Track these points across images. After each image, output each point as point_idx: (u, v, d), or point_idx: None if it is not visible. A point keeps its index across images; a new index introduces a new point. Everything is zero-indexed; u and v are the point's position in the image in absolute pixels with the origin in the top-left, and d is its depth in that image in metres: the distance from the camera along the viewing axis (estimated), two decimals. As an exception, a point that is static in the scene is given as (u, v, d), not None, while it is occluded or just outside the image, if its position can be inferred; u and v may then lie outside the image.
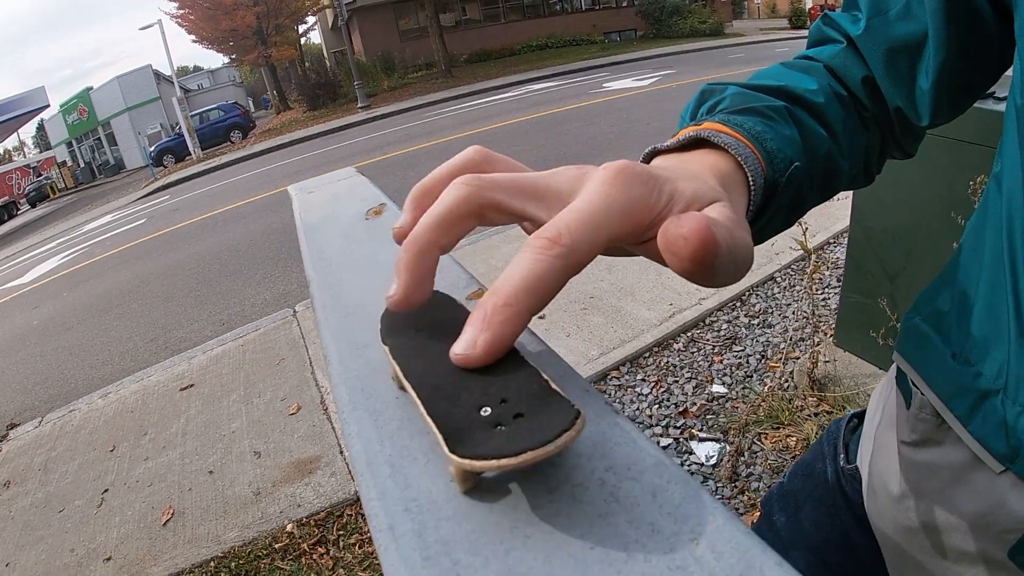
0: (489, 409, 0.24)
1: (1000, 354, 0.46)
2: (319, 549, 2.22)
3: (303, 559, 2.20)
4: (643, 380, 2.77)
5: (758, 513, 0.87)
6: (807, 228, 2.21)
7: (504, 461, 0.21)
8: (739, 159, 0.38)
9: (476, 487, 0.23)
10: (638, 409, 2.59)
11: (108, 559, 2.51)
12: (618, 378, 2.81)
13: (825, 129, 0.50)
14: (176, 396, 3.57)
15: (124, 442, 3.33)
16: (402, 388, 0.28)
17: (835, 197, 0.55)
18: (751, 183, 0.38)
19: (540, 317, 3.21)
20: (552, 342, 3.04)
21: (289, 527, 2.33)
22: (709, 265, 0.26)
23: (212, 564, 2.28)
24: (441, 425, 0.23)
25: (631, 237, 0.29)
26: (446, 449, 0.22)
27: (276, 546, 2.27)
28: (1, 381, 5.53)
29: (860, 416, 0.73)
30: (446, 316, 0.32)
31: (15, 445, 3.86)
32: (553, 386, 0.24)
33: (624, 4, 30.01)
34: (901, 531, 0.59)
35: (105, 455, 3.27)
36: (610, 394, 2.71)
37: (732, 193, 0.36)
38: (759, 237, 0.45)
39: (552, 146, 8.13)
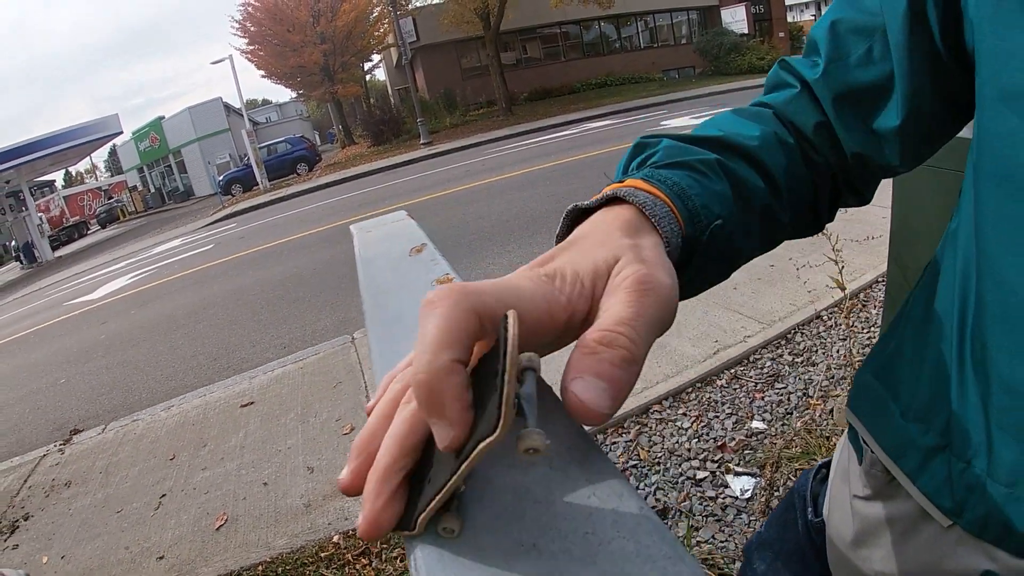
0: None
1: (946, 412, 0.47)
2: (362, 560, 2.34)
3: (347, 568, 2.31)
4: (684, 414, 2.81)
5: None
6: (843, 267, 2.26)
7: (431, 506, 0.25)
8: (652, 219, 0.39)
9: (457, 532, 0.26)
10: (677, 442, 2.64)
11: (161, 558, 2.69)
12: (659, 412, 2.86)
13: (763, 178, 0.50)
14: (236, 412, 3.77)
15: (184, 452, 3.53)
16: None
17: (878, 234, 0.58)
18: (665, 241, 0.39)
19: None
20: None
21: (336, 538, 2.46)
22: (605, 418, 0.28)
23: (260, 568, 2.42)
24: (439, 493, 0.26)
25: (563, 336, 0.33)
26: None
27: (322, 555, 2.40)
28: (67, 390, 5.88)
29: (828, 465, 0.73)
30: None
31: (78, 449, 4.12)
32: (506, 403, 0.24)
33: (683, 42, 30.13)
34: None
35: (165, 463, 3.48)
36: (650, 427, 2.76)
37: (642, 236, 0.37)
38: (689, 290, 0.45)
39: (607, 183, 8.25)
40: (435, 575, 0.24)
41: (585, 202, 0.43)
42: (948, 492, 0.46)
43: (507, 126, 20.33)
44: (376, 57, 33.25)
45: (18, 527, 3.44)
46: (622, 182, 0.43)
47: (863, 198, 0.60)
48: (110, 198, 45.72)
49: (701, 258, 0.43)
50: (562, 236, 0.43)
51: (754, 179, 0.49)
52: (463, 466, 0.24)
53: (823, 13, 0.57)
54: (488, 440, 0.23)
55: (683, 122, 13.72)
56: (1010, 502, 0.42)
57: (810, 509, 0.73)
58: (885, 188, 0.67)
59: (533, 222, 6.97)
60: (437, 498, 0.24)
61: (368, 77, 37.39)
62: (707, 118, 0.57)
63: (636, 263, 0.33)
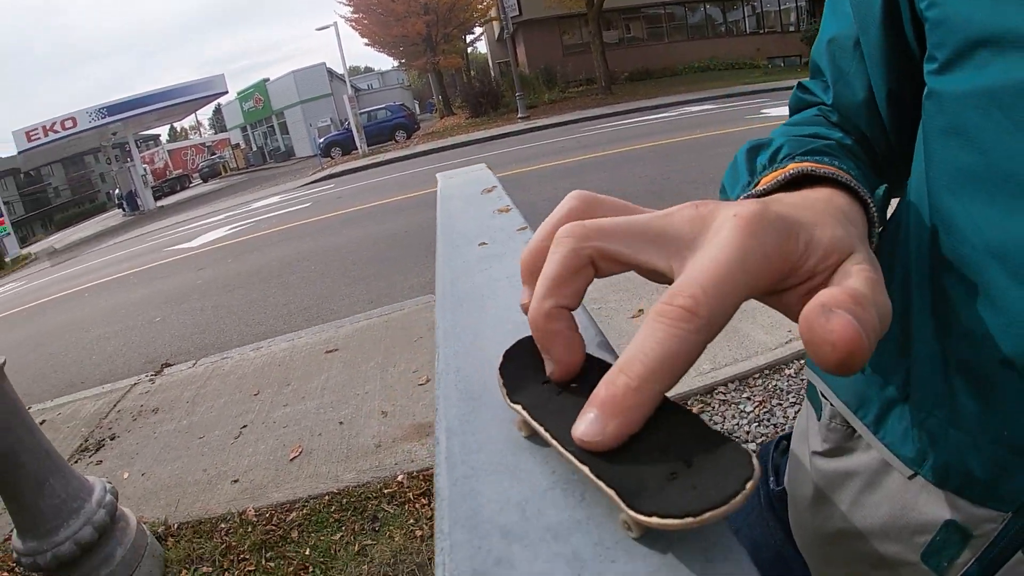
0: (657, 461, 0.23)
1: (906, 363, 0.48)
2: (422, 500, 2.50)
3: (407, 506, 2.48)
4: (748, 399, 2.83)
5: None
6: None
7: (687, 521, 0.20)
8: (859, 190, 0.37)
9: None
10: (737, 424, 2.67)
11: (236, 481, 2.94)
12: (724, 394, 2.89)
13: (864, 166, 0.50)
14: (321, 357, 4.01)
15: (268, 389, 3.80)
16: (546, 443, 0.27)
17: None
18: (872, 213, 0.37)
19: None
20: None
21: (400, 477, 2.63)
22: (856, 366, 0.24)
23: (327, 498, 2.62)
24: (613, 483, 0.22)
25: (764, 291, 0.28)
26: (623, 505, 0.21)
27: (386, 491, 2.58)
28: (162, 328, 6.34)
29: (790, 438, 0.72)
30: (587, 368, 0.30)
31: (168, 380, 4.49)
32: (714, 429, 0.23)
33: (791, 30, 29.10)
34: (821, 539, 0.60)
35: (249, 397, 3.76)
36: (713, 407, 2.79)
37: (858, 230, 0.33)
38: None
39: (701, 168, 8.13)
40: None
41: (761, 188, 0.40)
42: (909, 442, 0.47)
43: (605, 105, 20.14)
44: (478, 30, 33.37)
45: (104, 445, 3.80)
46: (785, 168, 0.41)
47: (895, 193, 0.60)
48: (213, 154, 47.84)
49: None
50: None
51: (865, 167, 0.50)
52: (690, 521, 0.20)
53: (819, 32, 0.57)
54: (716, 512, 0.20)
55: (785, 112, 13.23)
56: (971, 449, 0.42)
57: (771, 479, 0.73)
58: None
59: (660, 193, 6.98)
60: (687, 521, 0.20)
61: (469, 49, 37.66)
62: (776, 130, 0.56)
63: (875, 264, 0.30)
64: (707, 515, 0.20)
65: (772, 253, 0.26)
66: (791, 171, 0.39)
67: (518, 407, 0.28)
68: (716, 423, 2.69)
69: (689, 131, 11.69)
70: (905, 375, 0.48)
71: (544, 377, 0.29)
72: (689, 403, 2.81)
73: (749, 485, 0.20)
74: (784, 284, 0.28)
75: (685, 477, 0.22)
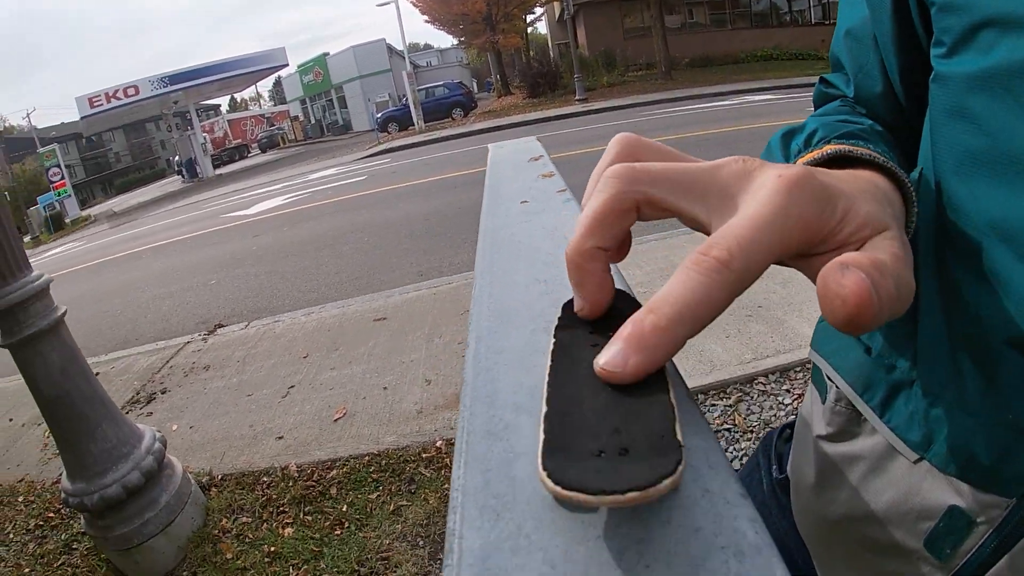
0: (600, 436, 0.22)
1: (913, 346, 0.48)
2: (461, 466, 2.57)
3: (444, 471, 2.55)
4: (787, 391, 2.82)
5: None
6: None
7: (584, 497, 0.19)
8: (897, 172, 0.37)
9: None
10: (774, 416, 2.66)
11: (280, 438, 3.06)
12: (764, 384, 2.88)
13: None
14: (369, 324, 4.11)
15: (316, 352, 3.92)
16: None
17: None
18: (911, 195, 0.37)
19: None
20: (709, 340, 3.16)
21: (439, 443, 2.71)
22: (864, 326, 0.25)
23: (367, 458, 2.72)
24: (547, 437, 0.22)
25: (796, 253, 0.28)
26: (539, 463, 0.21)
27: (424, 456, 2.66)
28: (216, 290, 6.57)
29: (793, 426, 0.72)
30: (624, 310, 0.29)
31: (220, 340, 4.66)
32: (677, 432, 0.22)
33: (857, 21, 28.12)
34: (823, 525, 0.60)
35: (298, 359, 3.88)
36: (752, 397, 2.79)
37: (894, 211, 0.33)
38: None
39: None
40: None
41: (813, 157, 0.41)
42: (916, 426, 0.47)
43: (664, 90, 19.88)
44: (539, 10, 33.08)
45: (155, 399, 3.98)
46: (821, 149, 0.42)
47: None
48: (272, 125, 48.58)
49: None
50: None
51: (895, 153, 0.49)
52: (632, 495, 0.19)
53: (836, 25, 0.57)
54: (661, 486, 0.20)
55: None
56: (976, 432, 0.42)
57: (775, 467, 0.73)
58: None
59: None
60: (584, 498, 0.20)
61: (529, 30, 37.37)
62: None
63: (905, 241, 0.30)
64: (601, 498, 0.19)
65: (809, 217, 0.27)
66: (828, 151, 0.40)
67: (553, 341, 0.29)
68: (753, 412, 2.69)
69: (749, 120, 11.49)
70: (912, 358, 0.48)
71: (597, 323, 0.30)
72: (728, 391, 2.82)
73: (662, 483, 0.19)
74: (816, 249, 0.28)
75: (612, 462, 0.21)
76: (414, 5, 28.32)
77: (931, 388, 0.46)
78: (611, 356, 0.24)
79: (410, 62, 26.17)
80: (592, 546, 0.20)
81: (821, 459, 0.58)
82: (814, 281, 0.28)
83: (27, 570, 2.77)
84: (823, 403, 0.59)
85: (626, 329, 0.24)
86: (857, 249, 0.28)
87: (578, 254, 0.28)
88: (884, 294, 0.25)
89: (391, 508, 2.43)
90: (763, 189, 0.27)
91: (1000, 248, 0.38)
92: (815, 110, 0.60)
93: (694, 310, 0.24)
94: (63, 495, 2.42)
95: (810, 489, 0.60)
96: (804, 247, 0.27)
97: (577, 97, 20.69)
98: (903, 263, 0.28)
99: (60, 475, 3.13)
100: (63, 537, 2.91)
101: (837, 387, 0.56)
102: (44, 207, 29.71)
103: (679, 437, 0.21)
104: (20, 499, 3.33)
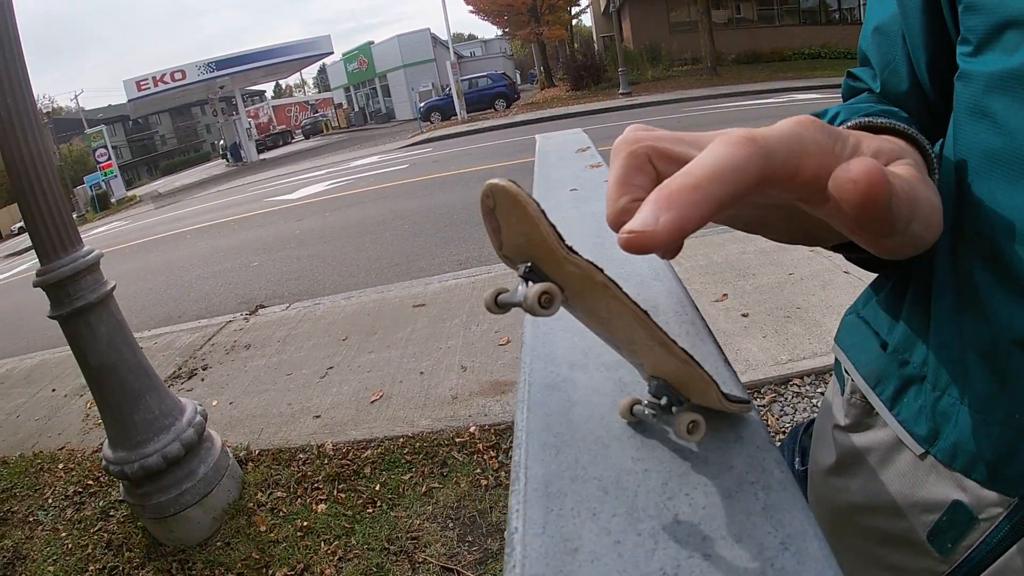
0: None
1: (925, 341, 0.48)
2: (491, 452, 2.61)
3: (475, 456, 2.60)
4: (822, 394, 2.78)
5: None
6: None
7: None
8: (917, 136, 0.38)
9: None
10: (808, 418, 2.65)
11: (317, 417, 3.14)
12: (799, 386, 2.85)
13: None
14: (408, 310, 4.17)
15: (355, 335, 4.00)
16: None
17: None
18: (931, 158, 0.39)
19: (743, 315, 3.33)
20: (747, 339, 3.15)
21: (472, 429, 2.75)
22: (882, 212, 0.25)
23: (401, 440, 2.78)
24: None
25: (814, 183, 0.27)
26: (718, 392, 0.25)
27: (457, 440, 2.70)
28: (258, 272, 6.70)
29: None
30: None
31: (262, 320, 4.77)
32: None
33: (910, 20, 27.45)
34: (835, 513, 0.61)
35: (337, 341, 3.97)
36: (785, 398, 2.77)
37: (915, 163, 0.35)
38: None
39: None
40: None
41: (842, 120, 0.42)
42: (923, 420, 0.48)
43: (709, 86, 19.61)
44: (584, 2, 32.93)
45: (195, 374, 4.09)
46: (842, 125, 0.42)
47: None
48: (316, 112, 49.21)
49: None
50: None
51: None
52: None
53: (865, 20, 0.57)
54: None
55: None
56: (981, 429, 0.43)
57: (797, 459, 0.74)
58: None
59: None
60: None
61: (574, 22, 37.13)
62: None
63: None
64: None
65: (822, 142, 0.27)
66: (850, 124, 0.40)
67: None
68: (786, 414, 2.67)
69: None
70: (924, 353, 0.48)
71: None
72: (763, 391, 2.80)
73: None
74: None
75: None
76: (460, -5, 28.40)
77: (940, 384, 0.46)
78: (641, 216, 0.23)
79: (454, 52, 26.16)
80: (640, 477, 0.23)
81: (838, 448, 0.59)
82: (846, 229, 0.29)
83: (64, 534, 2.88)
84: (842, 395, 0.60)
85: (654, 192, 0.24)
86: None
87: (618, 213, 0.29)
88: (897, 182, 0.25)
89: (423, 490, 2.49)
90: (774, 126, 0.27)
91: (1016, 250, 0.38)
92: (844, 101, 0.60)
93: (724, 173, 0.23)
94: (104, 462, 2.51)
95: (825, 477, 0.62)
96: (819, 170, 0.27)
97: (621, 91, 20.52)
98: (919, 179, 0.29)
99: (101, 444, 3.23)
100: (101, 504, 3.01)
101: (852, 380, 0.57)
102: (91, 186, 30.49)
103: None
104: (60, 466, 3.45)
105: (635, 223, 0.23)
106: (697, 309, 0.40)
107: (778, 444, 0.77)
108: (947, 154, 0.46)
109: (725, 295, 3.57)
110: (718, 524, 0.21)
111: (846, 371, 0.58)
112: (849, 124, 0.40)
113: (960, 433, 0.44)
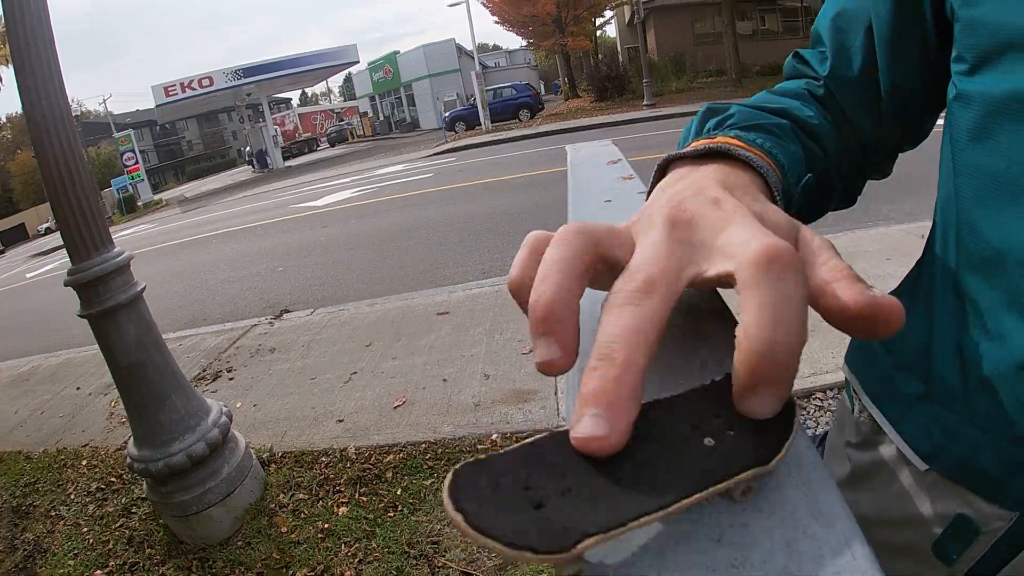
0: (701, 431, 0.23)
1: (928, 360, 0.50)
2: (516, 460, 2.61)
3: (498, 464, 2.61)
4: None
5: None
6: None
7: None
8: (762, 172, 0.37)
9: None
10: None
11: (340, 421, 3.17)
12: (822, 400, 2.85)
13: (822, 150, 0.52)
14: (432, 318, 4.20)
15: (379, 341, 4.03)
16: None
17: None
18: (776, 197, 0.38)
19: None
20: None
21: (494, 436, 2.76)
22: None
23: (423, 446, 2.80)
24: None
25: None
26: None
27: (479, 447, 2.72)
28: (284, 277, 6.78)
29: None
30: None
31: (287, 324, 4.82)
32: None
33: (934, 33, 27.21)
34: None
35: (361, 347, 4.00)
36: (808, 412, 2.77)
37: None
38: None
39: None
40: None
41: (684, 151, 0.41)
42: (926, 437, 0.49)
43: (734, 97, 19.19)
44: (608, 13, 32.90)
45: (220, 376, 4.15)
46: (713, 138, 0.42)
47: (885, 173, 0.64)
48: (341, 120, 49.65)
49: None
50: (653, 187, 0.41)
51: (817, 151, 0.52)
52: (710, 489, 0.21)
53: (824, 4, 0.58)
54: (759, 469, 0.21)
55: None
56: (984, 446, 0.44)
57: None
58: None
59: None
60: (632, 524, 0.19)
61: (599, 33, 37.16)
62: (752, 97, 0.58)
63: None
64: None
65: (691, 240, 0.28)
66: (711, 145, 0.39)
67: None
68: (809, 428, 2.66)
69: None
70: (927, 372, 0.50)
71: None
72: None
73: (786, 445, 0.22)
74: None
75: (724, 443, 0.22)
76: (484, 6, 28.54)
77: (943, 402, 0.48)
78: (587, 425, 0.21)
79: (479, 62, 26.31)
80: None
81: (849, 463, 0.61)
82: None
83: (85, 530, 2.92)
84: (852, 413, 0.61)
85: (585, 386, 0.22)
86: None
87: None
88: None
89: (444, 495, 2.50)
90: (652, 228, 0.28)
91: (1018, 273, 0.39)
92: (784, 82, 0.62)
93: (642, 337, 0.22)
94: (128, 460, 2.54)
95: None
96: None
97: (645, 102, 20.48)
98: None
99: (124, 442, 3.28)
100: (123, 501, 3.06)
101: (860, 400, 0.59)
102: (117, 189, 31.06)
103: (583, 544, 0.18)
104: (84, 463, 3.51)
105: (586, 433, 0.21)
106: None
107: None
108: (944, 175, 0.47)
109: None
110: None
111: (854, 390, 0.60)
112: (710, 147, 0.39)
113: (964, 450, 0.46)
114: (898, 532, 0.53)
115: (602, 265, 0.27)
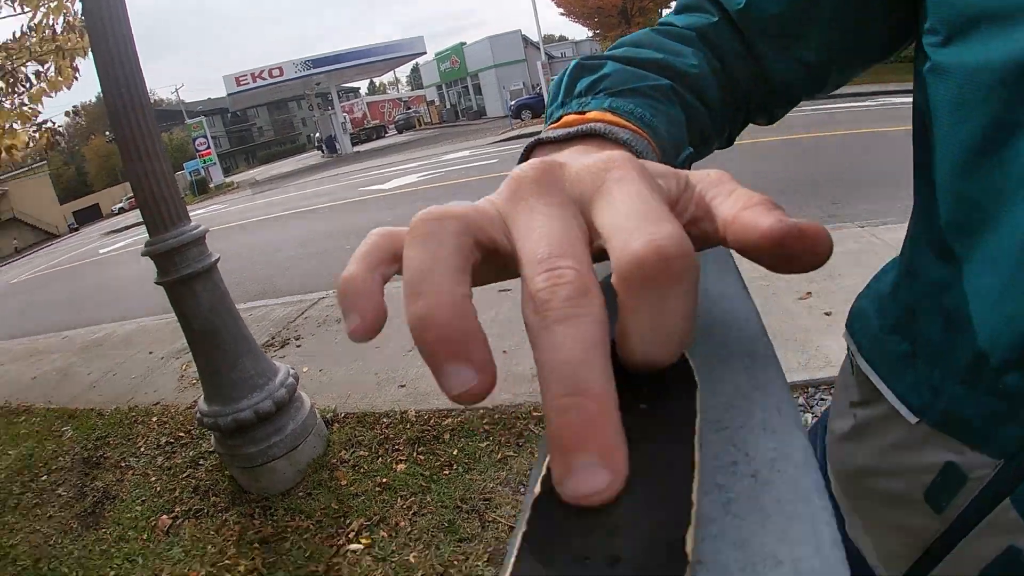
0: (592, 533, 0.17)
1: (916, 320, 0.52)
2: (566, 430, 2.66)
3: (550, 432, 2.66)
4: None
5: None
6: None
7: None
8: (639, 151, 0.36)
9: None
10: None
11: (402, 386, 3.29)
12: (827, 391, 2.80)
13: (704, 105, 0.52)
14: (495, 294, 4.27)
15: (449, 314, 4.12)
16: None
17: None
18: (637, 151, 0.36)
19: (826, 313, 3.23)
20: (828, 337, 3.01)
21: (550, 404, 2.80)
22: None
23: (481, 411, 2.88)
24: (527, 529, 0.18)
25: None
26: (509, 566, 0.17)
27: (535, 414, 2.79)
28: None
29: None
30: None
31: None
32: (688, 542, 0.16)
33: None
34: (848, 476, 0.64)
35: (425, 319, 4.10)
36: (813, 405, 2.72)
37: None
38: None
39: (880, 168, 7.61)
40: None
41: (548, 133, 0.39)
42: (916, 393, 0.51)
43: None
44: (674, 3, 32.44)
45: (288, 344, 4.33)
46: (584, 113, 0.41)
47: (773, 118, 0.63)
48: (408, 108, 50.13)
49: None
50: None
51: (699, 107, 0.51)
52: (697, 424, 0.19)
53: None
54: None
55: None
56: (967, 399, 0.46)
57: (828, 435, 0.76)
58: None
59: (787, 191, 6.71)
60: (693, 497, 0.17)
61: (667, 24, 36.70)
62: (632, 35, 0.56)
63: None
64: None
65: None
66: (583, 127, 0.37)
67: None
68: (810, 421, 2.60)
69: (880, 124, 10.84)
70: (915, 332, 0.52)
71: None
72: (794, 396, 2.74)
73: None
74: None
75: (593, 568, 0.16)
76: (550, -2, 28.48)
77: (928, 359, 0.50)
78: (584, 480, 0.17)
79: (545, 53, 26.27)
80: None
81: (851, 418, 0.63)
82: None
83: (153, 479, 3.10)
84: (852, 374, 0.64)
85: (561, 429, 0.18)
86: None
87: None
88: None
89: (499, 456, 2.57)
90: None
91: (1006, 238, 0.40)
92: (675, 13, 0.61)
93: (603, 348, 0.19)
94: (198, 415, 2.70)
95: (840, 443, 0.65)
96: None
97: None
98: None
99: (194, 402, 3.44)
100: (191, 454, 3.23)
101: (857, 361, 0.61)
102: (189, 172, 32.22)
103: (688, 550, 0.16)
104: (154, 419, 3.72)
105: (576, 486, 0.17)
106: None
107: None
108: (924, 149, 0.48)
109: (809, 293, 3.52)
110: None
111: (852, 353, 0.63)
112: (582, 128, 0.37)
113: (950, 403, 0.48)
114: (891, 481, 0.56)
115: (479, 253, 0.23)
